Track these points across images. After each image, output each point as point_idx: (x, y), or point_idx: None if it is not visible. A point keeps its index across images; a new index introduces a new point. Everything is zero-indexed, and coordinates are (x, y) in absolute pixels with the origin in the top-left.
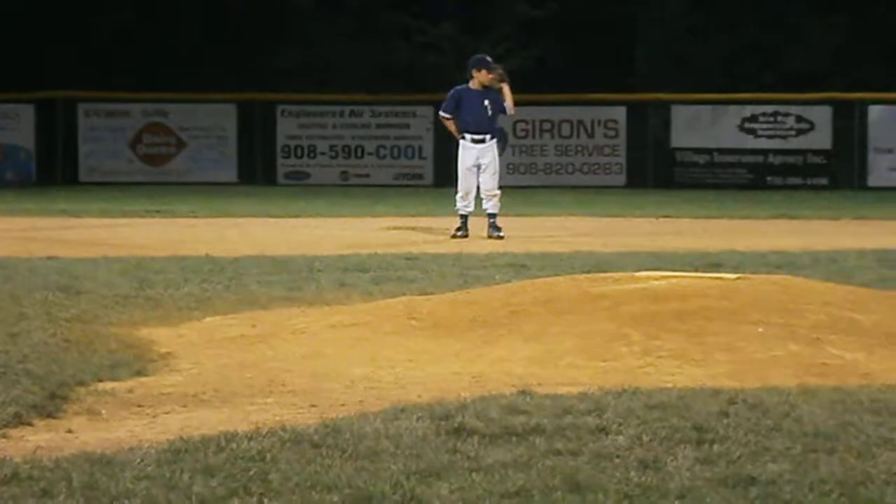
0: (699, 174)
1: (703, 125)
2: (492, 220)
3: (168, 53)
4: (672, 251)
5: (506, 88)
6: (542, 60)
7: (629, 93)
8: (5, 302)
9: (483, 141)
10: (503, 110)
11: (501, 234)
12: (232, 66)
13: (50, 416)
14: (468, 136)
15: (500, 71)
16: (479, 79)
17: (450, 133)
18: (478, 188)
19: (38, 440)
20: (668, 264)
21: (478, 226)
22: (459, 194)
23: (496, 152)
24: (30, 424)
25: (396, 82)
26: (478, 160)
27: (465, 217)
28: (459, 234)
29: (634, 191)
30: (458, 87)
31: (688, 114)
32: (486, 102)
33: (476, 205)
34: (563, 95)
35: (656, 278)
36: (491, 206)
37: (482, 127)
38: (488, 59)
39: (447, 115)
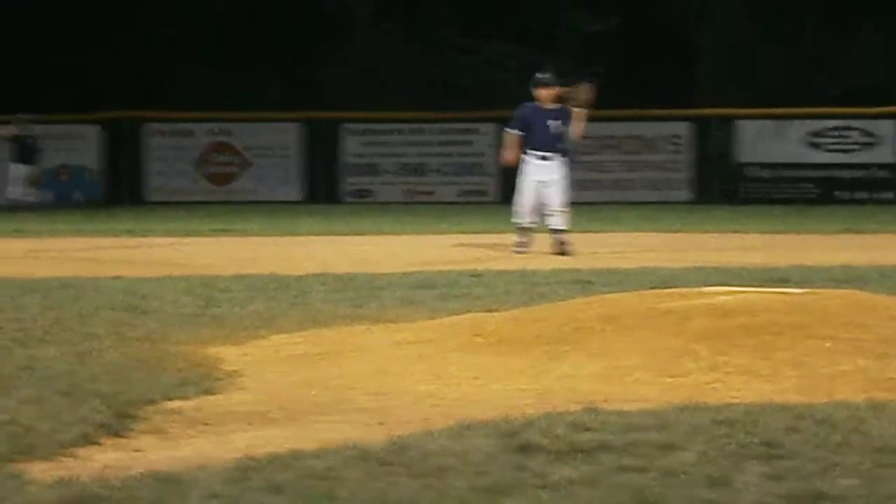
0: (764, 189)
1: (767, 140)
2: (558, 236)
3: (232, 72)
4: (738, 266)
5: (577, 112)
6: (604, 75)
7: (693, 108)
8: (73, 321)
9: (549, 159)
10: (567, 132)
11: (569, 249)
12: (295, 85)
13: (118, 435)
14: (534, 153)
15: (580, 93)
16: (539, 97)
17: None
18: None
19: (106, 459)
20: (734, 279)
21: (543, 241)
22: (518, 210)
23: (562, 169)
24: (98, 444)
25: (459, 99)
26: (542, 177)
27: (525, 231)
28: (524, 249)
29: (699, 206)
30: (526, 104)
31: (752, 128)
32: (551, 121)
33: (540, 221)
34: (627, 111)
35: (723, 293)
36: (558, 222)
37: (546, 145)
38: (544, 76)
39: (513, 132)
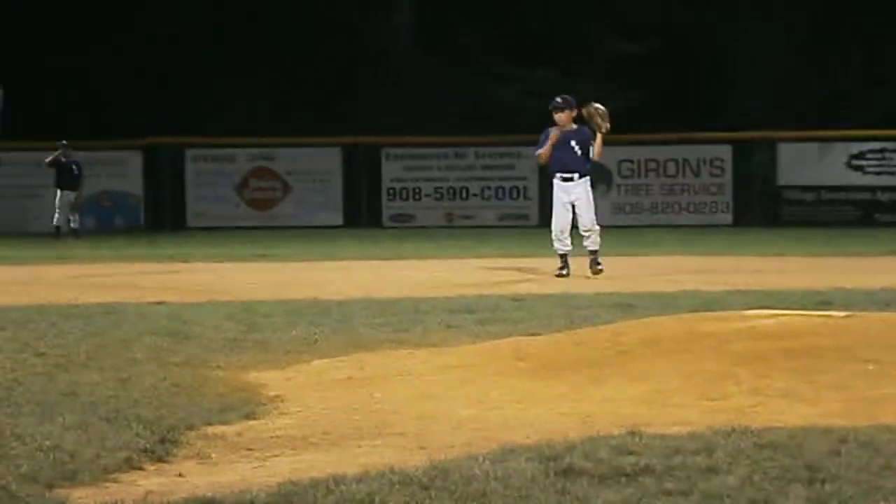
0: (806, 212)
1: (809, 162)
2: (592, 257)
3: (273, 97)
4: (780, 289)
5: (599, 136)
6: (642, 99)
7: (734, 131)
8: (115, 347)
9: (571, 179)
10: (589, 152)
11: (601, 267)
12: (336, 110)
13: (160, 460)
14: (558, 174)
15: (599, 113)
16: (558, 120)
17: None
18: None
19: (148, 484)
20: (776, 302)
21: (579, 264)
22: (554, 233)
23: (588, 189)
24: (140, 469)
25: (500, 124)
26: (569, 198)
27: (563, 255)
28: (564, 272)
29: (741, 229)
30: (550, 128)
31: (794, 151)
32: (573, 142)
33: (577, 243)
34: (668, 135)
35: (764, 317)
36: (590, 242)
37: (569, 166)
38: (558, 101)
39: (540, 153)
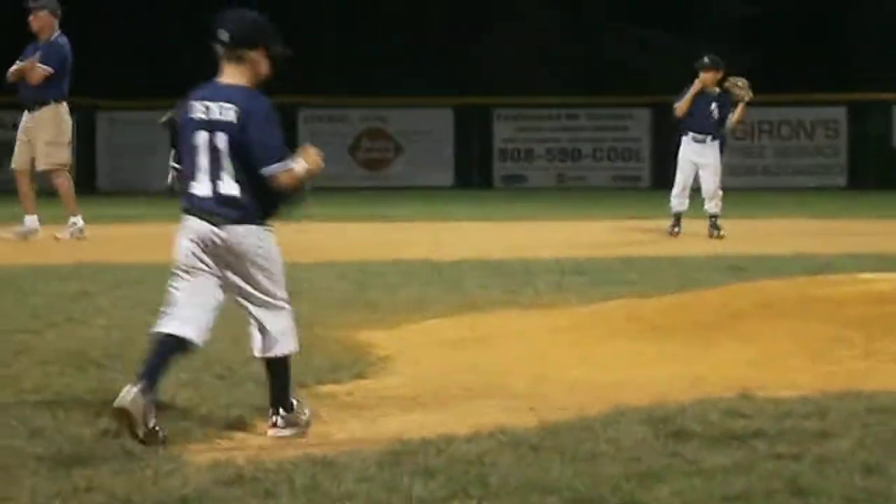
0: None
1: None
2: (713, 220)
3: (384, 57)
4: (894, 252)
5: (740, 104)
6: (757, 60)
7: (849, 92)
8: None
9: (703, 141)
10: (726, 118)
11: (722, 233)
12: (449, 68)
13: None
14: (690, 133)
15: (739, 86)
16: (704, 80)
17: (670, 132)
18: (700, 189)
19: (260, 442)
20: (890, 266)
21: (695, 226)
22: (675, 190)
23: (717, 154)
24: (253, 426)
25: (614, 83)
26: (697, 158)
27: (678, 214)
28: (676, 230)
29: (855, 192)
30: (690, 86)
31: None
32: (714, 106)
33: (697, 206)
34: (782, 96)
35: (878, 280)
36: (712, 206)
37: (704, 128)
38: (709, 59)
39: (677, 104)
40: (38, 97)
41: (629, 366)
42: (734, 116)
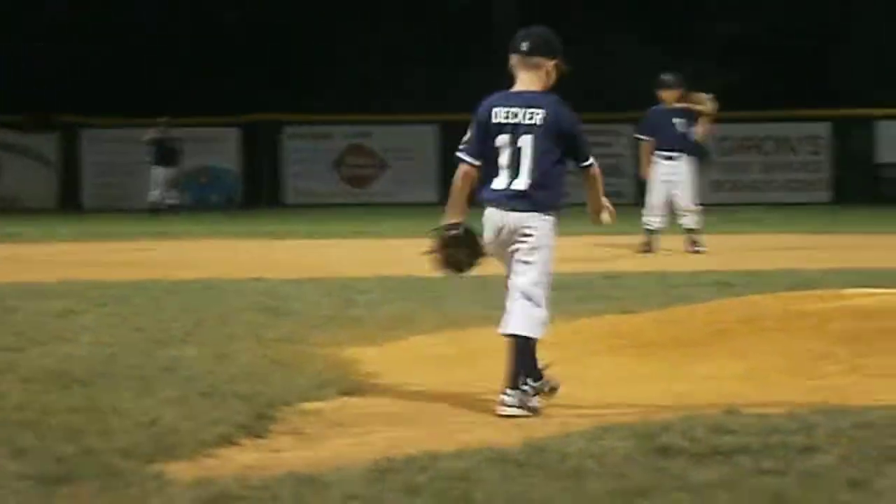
0: None
1: None
2: (689, 235)
3: (368, 75)
4: (879, 268)
5: (703, 118)
6: (743, 77)
7: (833, 109)
8: (213, 323)
9: (673, 158)
10: (691, 132)
11: (701, 248)
12: (431, 86)
13: (257, 435)
14: (659, 153)
15: (700, 99)
16: (663, 98)
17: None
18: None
19: (246, 460)
20: (875, 281)
21: (676, 243)
22: (646, 208)
23: (688, 168)
24: (238, 444)
25: (596, 101)
26: (669, 176)
27: (651, 231)
28: (648, 250)
29: (839, 207)
30: (653, 108)
31: (893, 129)
32: (677, 120)
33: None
34: (766, 112)
35: (863, 295)
36: (688, 221)
37: (672, 145)
38: (667, 78)
39: (641, 138)
40: None
41: (614, 382)
42: (698, 129)
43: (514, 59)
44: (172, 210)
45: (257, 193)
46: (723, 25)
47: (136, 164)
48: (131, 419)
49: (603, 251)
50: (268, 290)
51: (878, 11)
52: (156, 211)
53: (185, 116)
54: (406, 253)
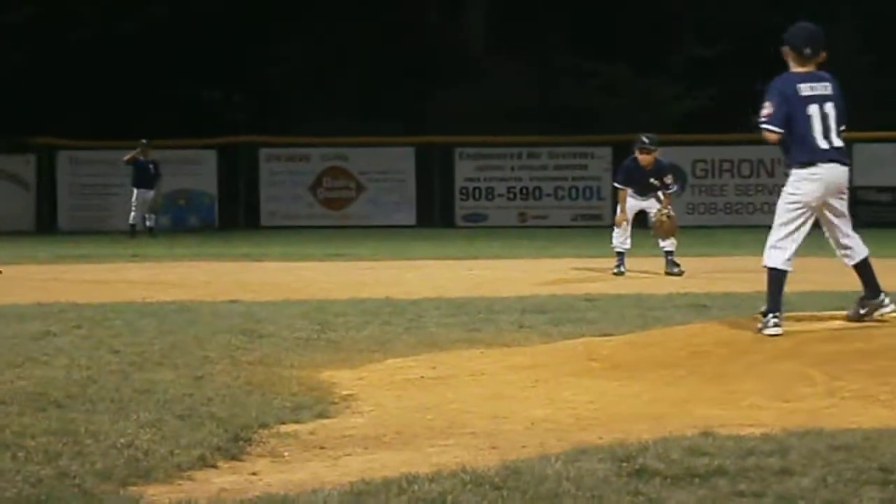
0: (882, 212)
1: (885, 163)
2: (668, 258)
3: (345, 98)
4: (856, 290)
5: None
6: (718, 98)
7: None
8: (190, 345)
9: (647, 198)
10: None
11: (677, 269)
12: (408, 109)
13: (234, 458)
14: (633, 195)
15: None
16: (641, 160)
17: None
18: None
19: (222, 482)
20: (851, 303)
21: (654, 265)
22: (616, 230)
23: (658, 198)
24: (214, 467)
25: (574, 124)
26: (642, 204)
27: (621, 253)
28: (620, 271)
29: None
30: (629, 162)
31: (869, 152)
32: (652, 180)
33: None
34: (742, 135)
35: (840, 318)
36: (667, 243)
37: (646, 195)
38: (645, 141)
39: (618, 186)
40: None
41: (590, 404)
42: (664, 199)
43: (783, 51)
44: (150, 232)
45: (234, 215)
46: (696, 48)
47: (113, 187)
48: (108, 442)
49: (581, 274)
50: (245, 313)
51: (845, 35)
52: (134, 233)
53: (163, 138)
54: (383, 275)
